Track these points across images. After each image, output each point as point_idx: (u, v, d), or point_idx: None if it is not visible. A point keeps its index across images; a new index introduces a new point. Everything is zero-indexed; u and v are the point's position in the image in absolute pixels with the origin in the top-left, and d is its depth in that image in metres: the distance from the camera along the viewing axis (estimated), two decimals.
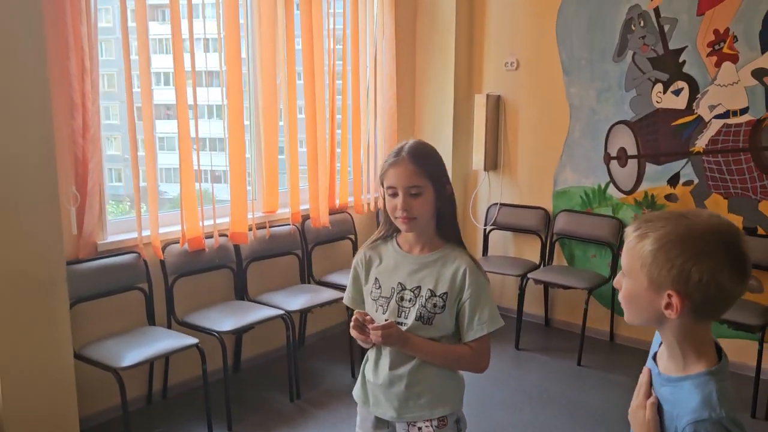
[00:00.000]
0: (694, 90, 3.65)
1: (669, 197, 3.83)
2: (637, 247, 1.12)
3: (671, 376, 1.16)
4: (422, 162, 1.57)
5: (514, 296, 4.18)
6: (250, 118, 3.61)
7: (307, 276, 3.92)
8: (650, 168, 3.88)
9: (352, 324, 1.56)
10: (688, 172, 3.74)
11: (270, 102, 3.54)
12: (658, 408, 1.16)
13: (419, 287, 1.60)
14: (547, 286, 4.28)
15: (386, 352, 1.63)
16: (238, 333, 3.19)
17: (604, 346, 4.10)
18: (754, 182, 3.53)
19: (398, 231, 1.69)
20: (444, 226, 1.64)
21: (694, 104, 3.66)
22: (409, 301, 1.60)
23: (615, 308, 4.09)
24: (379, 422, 1.69)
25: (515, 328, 4.04)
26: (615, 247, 4.00)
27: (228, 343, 3.15)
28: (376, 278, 1.67)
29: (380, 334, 1.50)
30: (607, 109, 4.00)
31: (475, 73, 4.59)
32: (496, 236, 4.53)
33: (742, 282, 1.07)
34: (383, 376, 1.63)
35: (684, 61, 3.67)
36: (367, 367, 1.70)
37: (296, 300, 3.50)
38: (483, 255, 4.51)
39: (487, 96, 4.41)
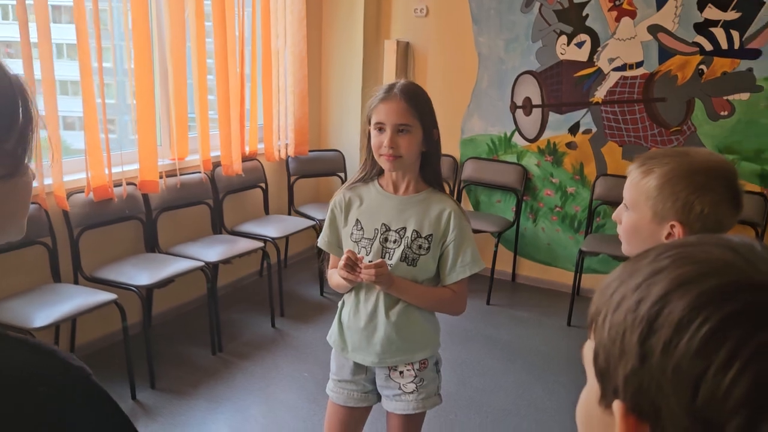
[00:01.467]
0: (596, 43, 3.86)
1: (569, 145, 4.07)
2: (642, 182, 1.18)
3: None
4: (413, 101, 1.54)
5: None
6: (155, 60, 3.33)
7: (219, 226, 3.76)
8: (553, 117, 4.09)
9: (342, 263, 1.51)
10: (587, 121, 3.99)
11: (178, 41, 3.28)
12: None
13: (404, 228, 1.59)
14: None
15: (371, 297, 1.62)
16: (157, 287, 3.02)
17: (508, 286, 4.35)
18: (645, 131, 3.83)
19: (380, 173, 1.65)
20: (428, 170, 1.63)
21: (595, 57, 3.88)
22: (394, 242, 1.59)
23: (518, 250, 4.34)
24: (358, 368, 1.68)
25: None
26: (519, 193, 4.21)
27: (141, 299, 2.97)
28: (357, 219, 1.64)
29: (373, 273, 1.48)
30: (515, 59, 4.13)
31: (384, 18, 4.53)
32: None
33: (736, 214, 1.17)
34: (365, 320, 1.62)
35: (587, 15, 3.86)
36: (345, 312, 1.68)
37: (212, 251, 3.36)
38: None
39: (397, 42, 4.38)
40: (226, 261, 3.36)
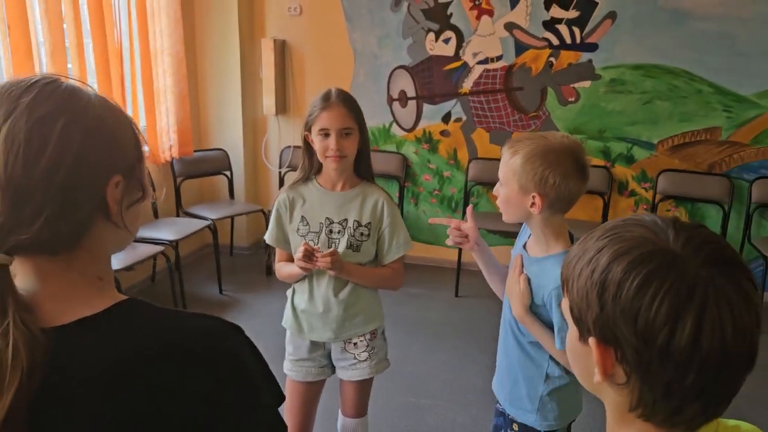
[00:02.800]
0: (461, 39, 4.26)
1: (443, 133, 4.45)
2: (510, 162, 1.44)
3: (538, 257, 1.51)
4: (351, 106, 1.75)
5: None
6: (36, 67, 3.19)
7: None
8: (427, 108, 4.44)
9: (299, 255, 1.69)
10: (458, 111, 4.38)
11: (57, 48, 3.18)
12: (528, 282, 1.51)
13: (346, 219, 1.80)
14: None
15: (322, 282, 1.81)
16: None
17: None
18: (508, 117, 4.31)
19: (317, 172, 1.84)
20: (361, 166, 1.84)
21: (461, 52, 4.28)
22: (338, 233, 1.80)
23: None
24: (314, 346, 1.87)
25: None
26: (401, 180, 4.53)
27: None
28: (302, 216, 1.82)
29: (329, 260, 1.67)
30: (388, 55, 4.42)
31: (258, 17, 4.61)
32: (292, 177, 4.73)
33: (583, 184, 1.45)
34: (321, 303, 1.81)
35: (451, 14, 4.23)
36: (298, 298, 1.85)
37: (111, 259, 3.30)
38: None
39: (274, 41, 4.49)
40: (129, 268, 3.33)
